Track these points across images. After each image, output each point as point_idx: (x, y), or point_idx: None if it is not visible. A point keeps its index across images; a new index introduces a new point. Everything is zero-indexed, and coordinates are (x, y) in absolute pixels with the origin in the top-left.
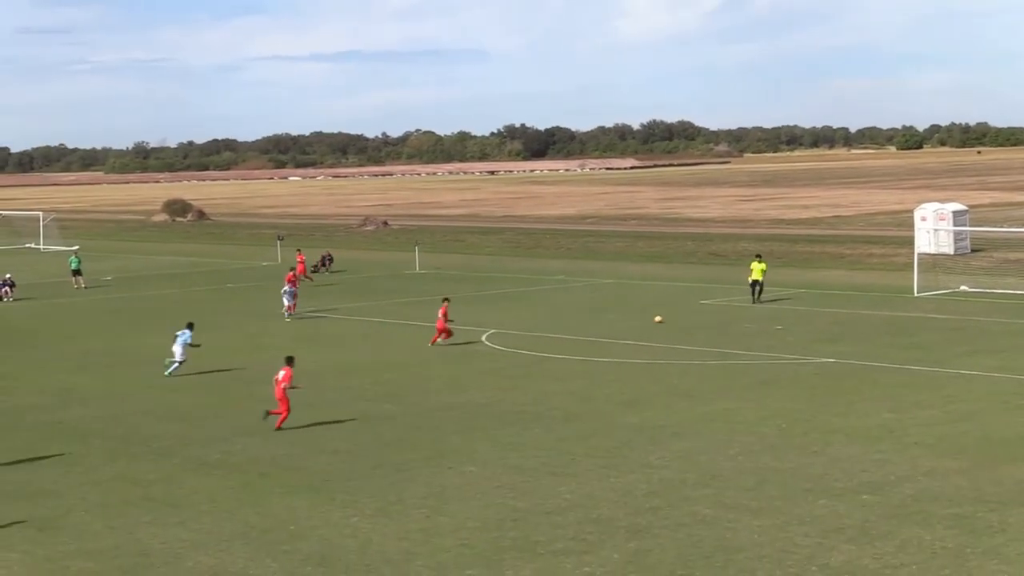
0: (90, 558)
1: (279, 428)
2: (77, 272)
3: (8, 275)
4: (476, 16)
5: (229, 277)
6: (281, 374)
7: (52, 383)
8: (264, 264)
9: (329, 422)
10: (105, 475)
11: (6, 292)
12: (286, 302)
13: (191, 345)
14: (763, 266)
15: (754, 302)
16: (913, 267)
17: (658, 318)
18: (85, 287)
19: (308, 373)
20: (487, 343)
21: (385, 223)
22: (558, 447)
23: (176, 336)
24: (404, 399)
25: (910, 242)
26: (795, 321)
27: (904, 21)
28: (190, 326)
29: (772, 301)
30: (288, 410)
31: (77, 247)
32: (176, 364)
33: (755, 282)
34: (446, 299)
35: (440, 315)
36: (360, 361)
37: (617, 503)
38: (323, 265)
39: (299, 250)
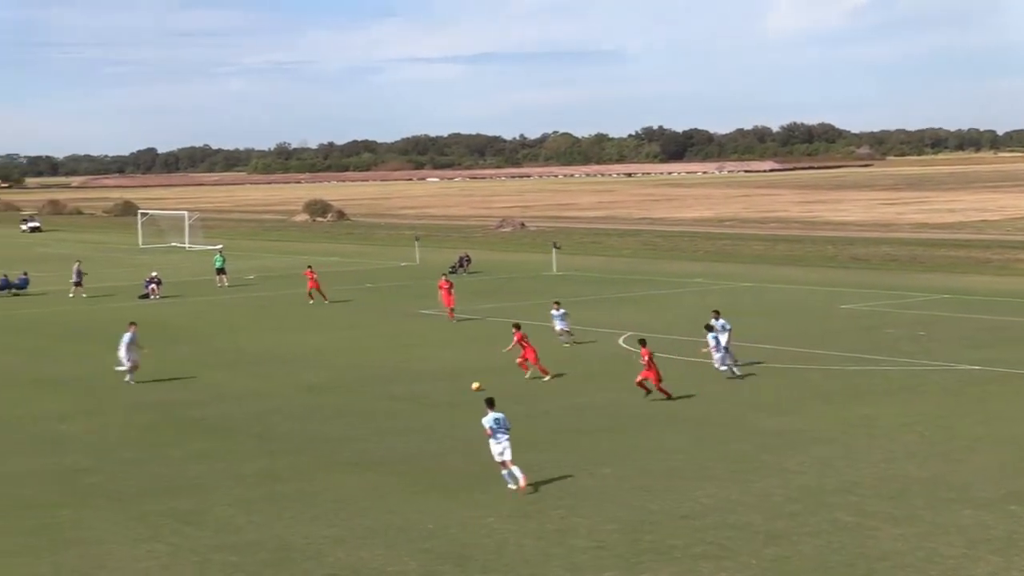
0: (233, 551)
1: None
2: (221, 271)
3: (155, 273)
4: (614, 16)
5: (368, 277)
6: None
7: (196, 379)
8: (402, 264)
9: (465, 422)
10: (247, 471)
11: (153, 290)
12: (561, 326)
13: None
14: None
15: None
16: None
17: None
18: (228, 285)
19: (445, 373)
20: (624, 345)
21: (522, 224)
22: (694, 450)
23: None
24: (539, 400)
25: None
26: (939, 327)
27: None
28: None
29: (913, 307)
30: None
31: (221, 246)
32: None
33: None
34: (642, 342)
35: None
36: (495, 362)
37: (755, 508)
38: (460, 266)
39: (309, 267)
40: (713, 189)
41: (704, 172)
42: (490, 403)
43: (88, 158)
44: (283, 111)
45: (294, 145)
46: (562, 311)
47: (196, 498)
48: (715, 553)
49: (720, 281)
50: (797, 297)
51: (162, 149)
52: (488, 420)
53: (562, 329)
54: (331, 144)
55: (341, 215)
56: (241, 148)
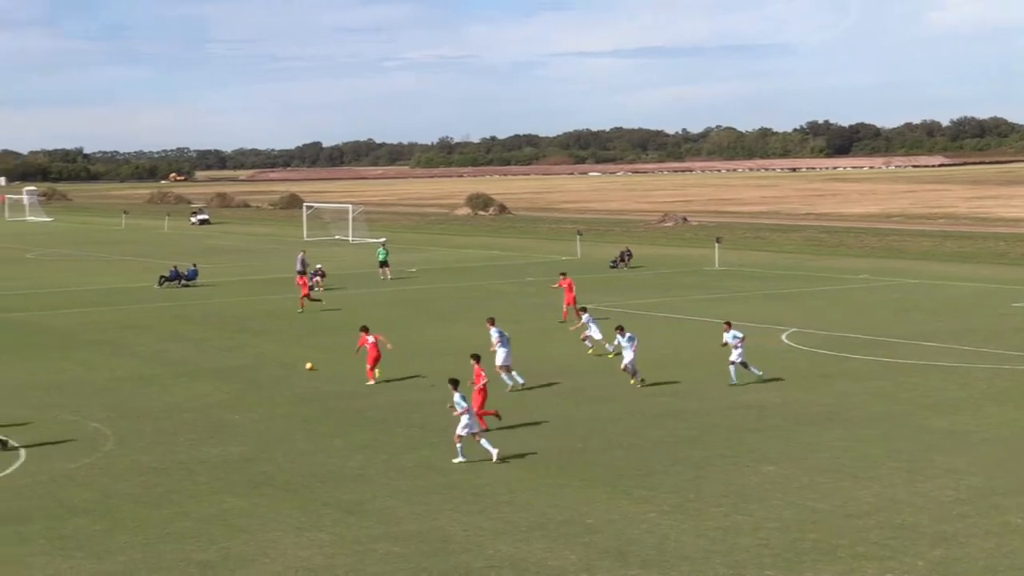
0: (395, 542)
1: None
2: (384, 263)
3: (319, 265)
4: (783, 9)
5: (529, 271)
6: None
7: (359, 371)
8: (563, 258)
9: (625, 417)
10: (408, 462)
11: (317, 282)
12: (590, 332)
13: None
14: None
15: None
16: None
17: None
18: (391, 278)
19: (603, 369)
20: (787, 342)
21: (684, 219)
22: (859, 449)
23: None
24: (700, 396)
25: None
26: None
27: None
28: None
29: None
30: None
31: (384, 239)
32: None
33: None
34: (475, 357)
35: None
36: (656, 357)
37: (922, 509)
38: (622, 260)
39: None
40: (879, 184)
41: (870, 167)
42: (455, 384)
43: (255, 152)
44: (447, 105)
45: (456, 139)
46: (590, 316)
47: (358, 488)
48: (880, 554)
49: (886, 278)
50: (966, 294)
51: (327, 143)
52: (458, 398)
53: (589, 335)
54: (493, 138)
55: (503, 209)
56: (404, 142)
